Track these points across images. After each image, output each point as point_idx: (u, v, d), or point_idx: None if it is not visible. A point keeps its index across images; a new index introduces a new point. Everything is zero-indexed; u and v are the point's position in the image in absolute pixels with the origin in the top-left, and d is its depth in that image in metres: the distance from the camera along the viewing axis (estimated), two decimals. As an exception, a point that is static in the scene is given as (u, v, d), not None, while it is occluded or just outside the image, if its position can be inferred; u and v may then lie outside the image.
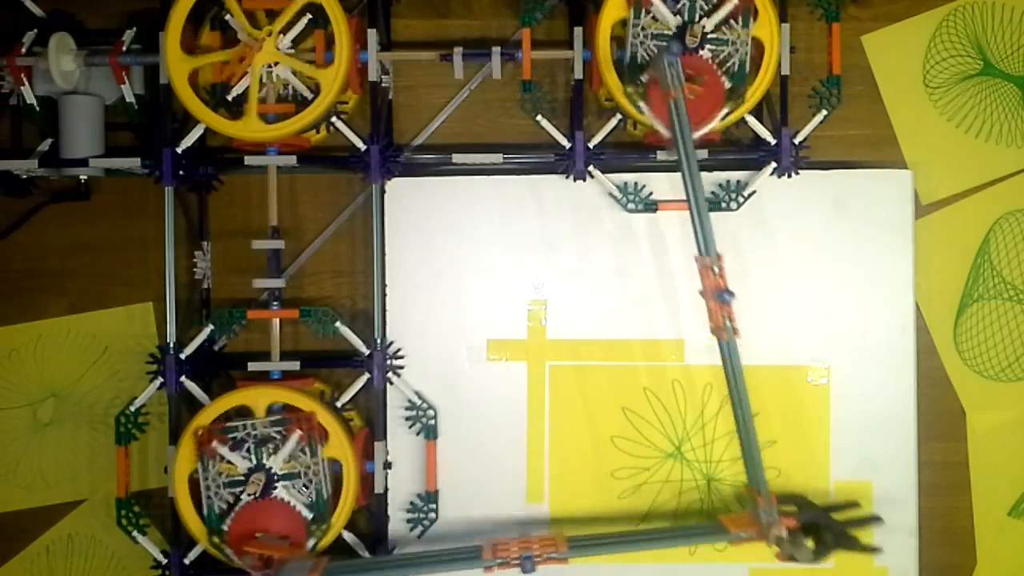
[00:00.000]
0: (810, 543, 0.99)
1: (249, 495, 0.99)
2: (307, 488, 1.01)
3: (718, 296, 0.95)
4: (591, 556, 0.99)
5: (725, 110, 1.00)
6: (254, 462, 1.01)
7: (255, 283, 1.05)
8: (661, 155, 1.07)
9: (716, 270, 0.95)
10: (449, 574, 0.97)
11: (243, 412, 1.04)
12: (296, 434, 1.01)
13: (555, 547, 0.97)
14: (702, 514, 1.10)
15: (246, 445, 1.01)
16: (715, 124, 0.99)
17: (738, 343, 0.96)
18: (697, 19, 1.01)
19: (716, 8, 1.00)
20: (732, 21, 1.01)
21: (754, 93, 1.03)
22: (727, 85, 1.00)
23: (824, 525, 1.01)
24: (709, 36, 1.00)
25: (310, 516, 1.01)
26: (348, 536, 1.06)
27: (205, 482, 1.00)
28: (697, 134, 0.97)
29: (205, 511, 1.00)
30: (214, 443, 1.00)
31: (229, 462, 1.00)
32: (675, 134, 0.95)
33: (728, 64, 1.01)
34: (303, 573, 0.95)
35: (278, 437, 1.01)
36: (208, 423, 1.01)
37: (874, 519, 1.04)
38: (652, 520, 1.10)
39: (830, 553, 1.01)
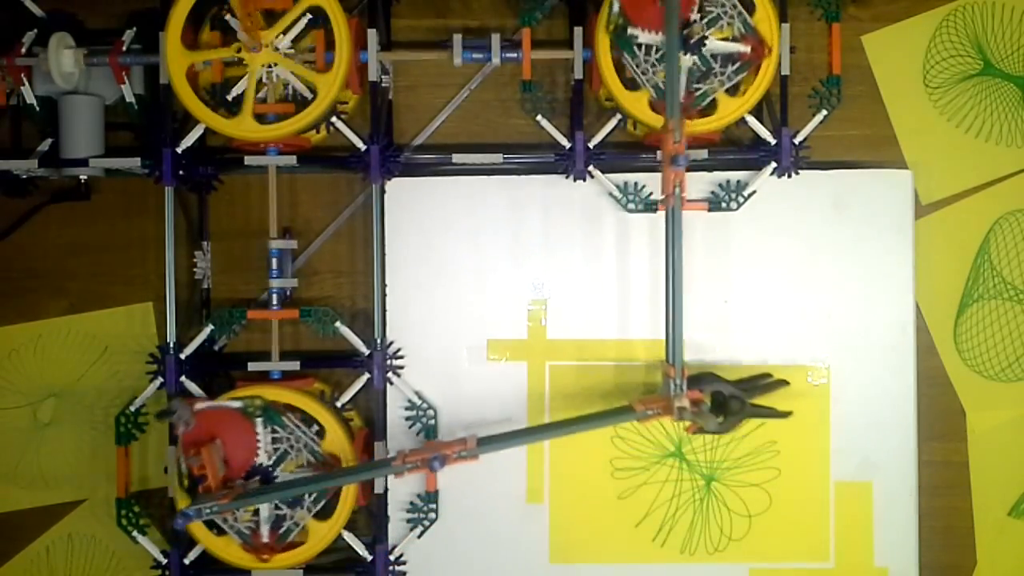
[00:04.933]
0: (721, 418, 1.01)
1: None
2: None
3: (674, 161, 0.95)
4: (500, 449, 1.00)
5: None
6: (270, 463, 1.02)
7: (271, 284, 1.05)
8: (661, 155, 1.06)
9: (677, 137, 0.95)
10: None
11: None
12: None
13: (464, 446, 0.98)
14: (702, 514, 1.10)
15: (278, 446, 1.03)
16: None
17: (682, 216, 0.97)
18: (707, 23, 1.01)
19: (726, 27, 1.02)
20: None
21: (754, 93, 1.03)
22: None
23: (731, 395, 1.02)
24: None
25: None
26: (348, 536, 1.06)
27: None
28: None
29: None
30: (260, 418, 1.02)
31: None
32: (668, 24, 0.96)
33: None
34: (213, 500, 0.98)
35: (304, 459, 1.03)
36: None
37: (781, 383, 1.05)
38: (652, 520, 1.10)
39: (739, 422, 1.02)
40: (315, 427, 1.04)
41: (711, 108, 1.04)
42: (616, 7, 1.00)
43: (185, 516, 0.98)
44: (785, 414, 1.04)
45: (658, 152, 1.06)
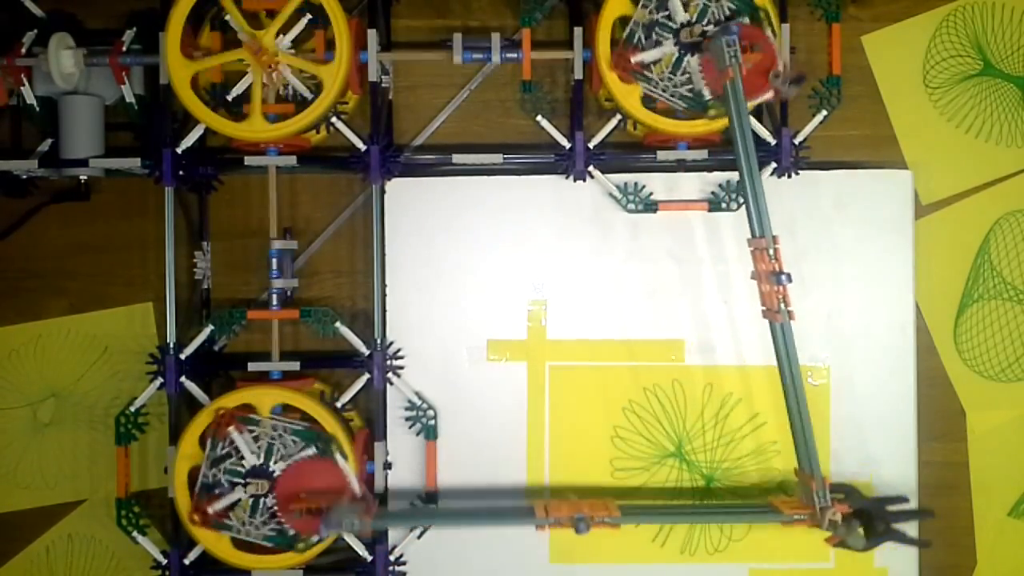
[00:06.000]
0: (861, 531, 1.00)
1: (251, 495, 1.00)
2: None
3: (774, 278, 0.94)
4: (641, 524, 1.03)
5: (779, 80, 0.97)
6: (261, 460, 1.01)
7: (272, 284, 1.05)
8: (661, 155, 1.07)
9: (771, 252, 0.95)
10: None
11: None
12: (311, 450, 1.01)
13: (607, 511, 0.98)
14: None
15: (260, 443, 1.01)
16: (769, 95, 0.97)
17: (792, 327, 0.96)
18: (703, 22, 1.01)
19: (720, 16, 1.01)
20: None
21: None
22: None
23: (876, 514, 1.02)
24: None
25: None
26: (348, 536, 1.06)
27: (207, 461, 1.01)
28: (753, 103, 0.97)
29: (197, 488, 1.01)
30: (231, 428, 1.00)
31: (238, 449, 1.01)
32: (731, 113, 0.95)
33: None
34: (354, 515, 0.96)
35: (293, 445, 1.01)
36: (232, 406, 1.02)
37: (925, 513, 1.06)
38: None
39: (881, 542, 1.01)
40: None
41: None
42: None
43: (331, 524, 0.97)
44: (926, 543, 1.05)
45: (658, 152, 1.07)
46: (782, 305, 0.95)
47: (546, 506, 0.99)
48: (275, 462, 1.01)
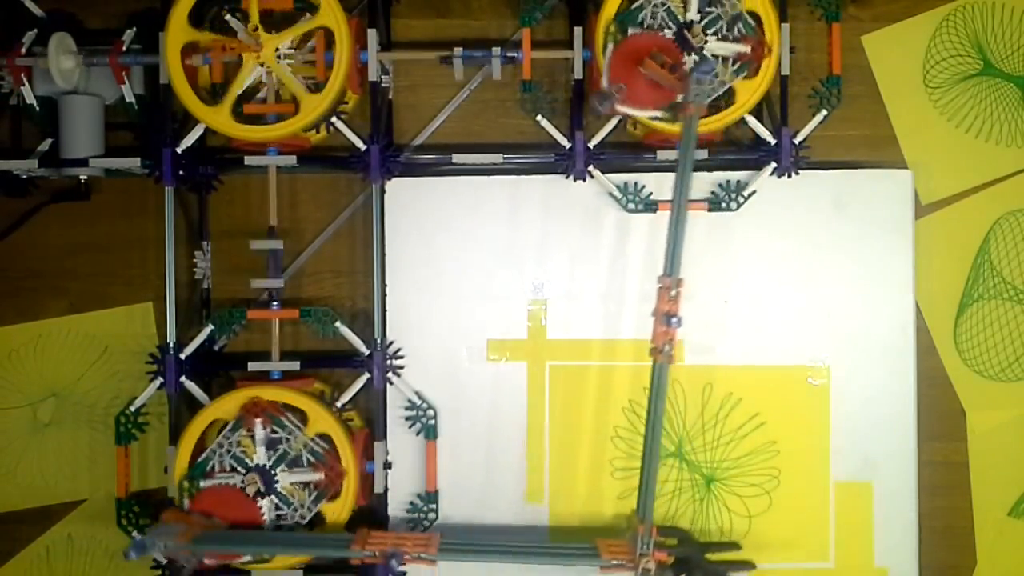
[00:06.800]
0: None
1: (242, 487, 1.01)
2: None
3: (666, 319, 0.96)
4: (460, 560, 1.00)
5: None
6: (267, 463, 1.01)
7: (253, 283, 1.05)
8: (661, 155, 1.07)
9: (673, 294, 0.96)
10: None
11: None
12: (319, 475, 1.01)
13: (426, 548, 0.98)
14: (702, 514, 1.10)
15: (277, 447, 1.02)
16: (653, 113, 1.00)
17: (668, 368, 0.97)
18: (704, 25, 1.01)
19: (726, 32, 1.02)
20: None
21: (754, 93, 1.03)
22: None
23: (695, 564, 1.03)
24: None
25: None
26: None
27: (221, 440, 1.01)
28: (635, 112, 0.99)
29: (200, 459, 1.01)
30: (259, 420, 1.01)
31: (253, 440, 1.01)
32: (682, 148, 0.96)
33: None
34: (170, 537, 0.95)
35: (305, 464, 1.02)
36: (266, 401, 1.02)
37: (747, 565, 1.05)
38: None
39: None
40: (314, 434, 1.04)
41: (711, 108, 1.04)
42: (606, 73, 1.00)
43: (138, 547, 0.94)
44: None
45: (658, 152, 1.07)
46: (667, 347, 0.96)
47: (364, 537, 0.99)
48: (280, 471, 1.01)
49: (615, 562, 0.98)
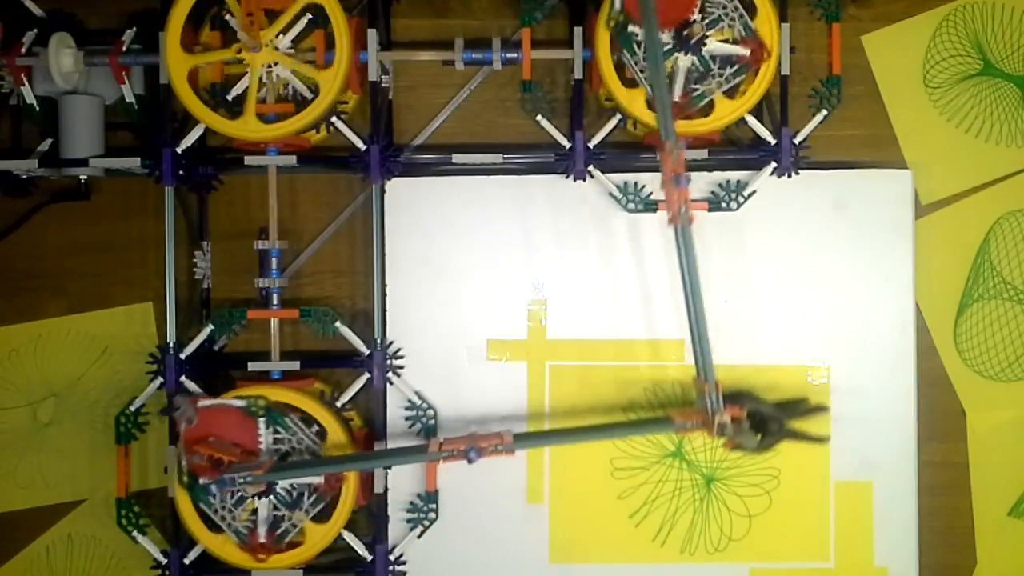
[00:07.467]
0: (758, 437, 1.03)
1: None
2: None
3: (675, 180, 0.96)
4: (536, 447, 1.06)
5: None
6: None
7: (258, 283, 1.06)
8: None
9: (675, 155, 0.96)
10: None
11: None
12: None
13: (500, 440, 0.99)
14: (702, 514, 1.10)
15: (280, 445, 1.02)
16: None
17: (692, 229, 0.97)
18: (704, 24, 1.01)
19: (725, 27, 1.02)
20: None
21: (754, 93, 1.03)
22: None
23: (770, 415, 1.03)
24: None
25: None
26: (348, 536, 1.06)
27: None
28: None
29: None
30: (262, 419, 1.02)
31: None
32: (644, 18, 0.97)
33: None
34: (249, 471, 0.98)
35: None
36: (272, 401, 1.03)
37: (821, 408, 1.06)
38: (652, 520, 1.10)
39: (777, 442, 1.03)
40: (315, 427, 1.04)
41: (711, 108, 1.04)
42: (618, 4, 1.00)
43: (222, 483, 0.98)
44: (823, 439, 1.06)
45: (658, 153, 1.06)
46: (683, 208, 0.96)
47: (440, 443, 1.00)
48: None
49: (689, 424, 1.00)
